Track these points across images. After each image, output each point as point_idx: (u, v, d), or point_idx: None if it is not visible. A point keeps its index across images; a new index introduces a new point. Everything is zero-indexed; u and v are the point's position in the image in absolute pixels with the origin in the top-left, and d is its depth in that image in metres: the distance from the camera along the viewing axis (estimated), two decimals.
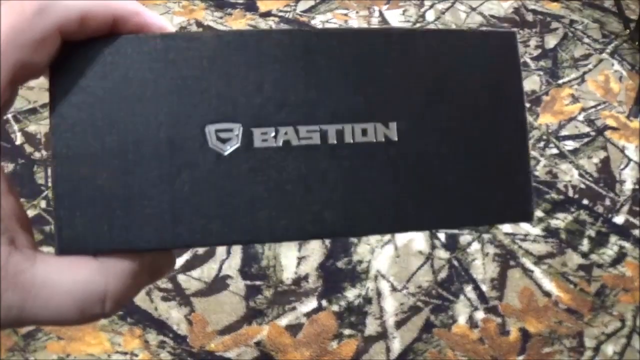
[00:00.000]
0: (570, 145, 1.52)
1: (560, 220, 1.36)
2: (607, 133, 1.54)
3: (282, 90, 0.31)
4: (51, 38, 0.27)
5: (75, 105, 0.29)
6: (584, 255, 1.30)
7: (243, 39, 0.31)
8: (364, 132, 0.32)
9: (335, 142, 0.32)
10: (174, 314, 1.21)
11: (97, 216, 0.29)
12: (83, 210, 0.29)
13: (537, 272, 1.27)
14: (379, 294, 1.24)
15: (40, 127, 1.55)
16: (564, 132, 1.55)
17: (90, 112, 0.29)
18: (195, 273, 1.27)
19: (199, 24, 1.84)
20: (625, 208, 1.39)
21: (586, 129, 1.55)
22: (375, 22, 1.85)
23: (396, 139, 0.33)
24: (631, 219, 1.37)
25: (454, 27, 1.83)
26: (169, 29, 0.31)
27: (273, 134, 0.31)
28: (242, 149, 0.31)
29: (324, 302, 1.23)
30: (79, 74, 0.29)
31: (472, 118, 0.34)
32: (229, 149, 0.31)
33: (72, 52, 0.29)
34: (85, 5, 0.27)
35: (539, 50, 1.76)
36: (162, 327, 1.19)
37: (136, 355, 1.15)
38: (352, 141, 0.32)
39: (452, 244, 1.32)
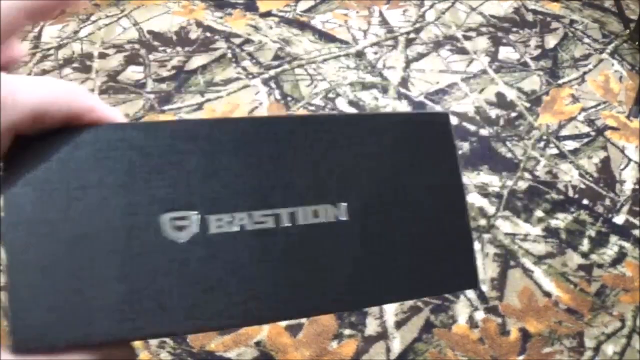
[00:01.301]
0: (570, 145, 1.52)
1: (560, 220, 1.36)
2: (607, 133, 1.54)
3: (237, 177, 0.32)
4: (3, 138, 0.27)
5: (28, 199, 0.29)
6: (584, 255, 1.30)
7: (196, 128, 0.32)
8: (315, 214, 0.33)
9: (289, 224, 0.32)
10: None
11: (52, 310, 0.28)
12: (38, 305, 0.28)
13: (537, 272, 1.27)
14: None
15: None
16: (564, 132, 1.55)
17: (42, 206, 0.29)
18: None
19: (199, 24, 1.84)
20: (625, 208, 1.39)
21: (586, 129, 1.55)
22: (375, 22, 1.85)
23: (346, 218, 0.34)
24: (631, 219, 1.37)
25: (454, 28, 1.83)
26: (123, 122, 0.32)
27: (229, 219, 0.31)
28: (198, 236, 0.31)
29: None
30: (32, 168, 0.29)
31: (414, 199, 0.36)
32: (184, 237, 0.31)
33: (24, 145, 0.29)
34: (38, 105, 0.27)
35: (539, 50, 1.76)
36: None
37: (136, 355, 1.15)
38: (304, 223, 0.33)
39: None
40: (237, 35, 1.80)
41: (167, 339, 1.17)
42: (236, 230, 0.32)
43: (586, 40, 1.80)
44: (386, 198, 0.35)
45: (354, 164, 0.35)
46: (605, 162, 1.48)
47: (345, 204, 0.34)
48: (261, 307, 0.32)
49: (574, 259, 1.29)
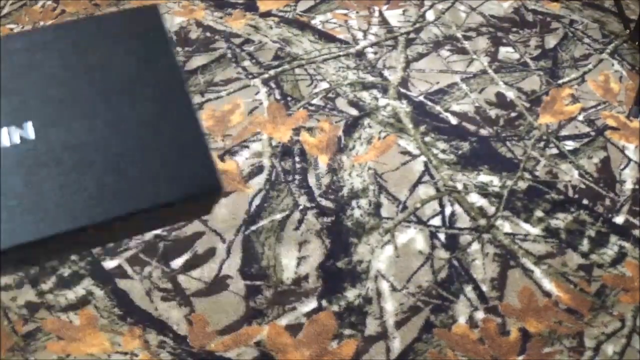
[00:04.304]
0: (570, 145, 1.52)
1: (560, 220, 1.36)
2: (607, 133, 1.54)
3: None
4: None
5: None
6: (584, 255, 1.30)
7: None
8: None
9: None
10: (174, 314, 1.21)
11: None
12: None
13: (537, 272, 1.27)
14: (379, 294, 1.24)
15: None
16: (564, 132, 1.55)
17: None
18: (195, 273, 1.27)
19: (199, 24, 1.84)
20: (625, 208, 1.39)
21: (586, 129, 1.55)
22: (375, 22, 1.85)
23: (33, 137, 0.33)
24: (631, 219, 1.37)
25: (454, 28, 1.83)
26: None
27: None
28: None
29: (324, 302, 1.23)
30: None
31: (130, 102, 0.34)
32: None
33: None
34: None
35: (539, 50, 1.76)
36: (162, 327, 1.19)
37: (136, 355, 1.15)
38: None
39: (452, 244, 1.32)
40: (237, 35, 1.80)
41: (166, 339, 1.17)
42: None
43: (586, 40, 1.80)
44: (89, 107, 0.34)
45: (45, 78, 0.33)
46: (605, 162, 1.48)
47: (31, 123, 0.33)
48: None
49: (574, 259, 1.29)
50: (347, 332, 1.19)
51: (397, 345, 1.17)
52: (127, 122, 0.35)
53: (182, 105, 0.36)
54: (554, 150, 1.50)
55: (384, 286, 1.25)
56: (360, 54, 1.74)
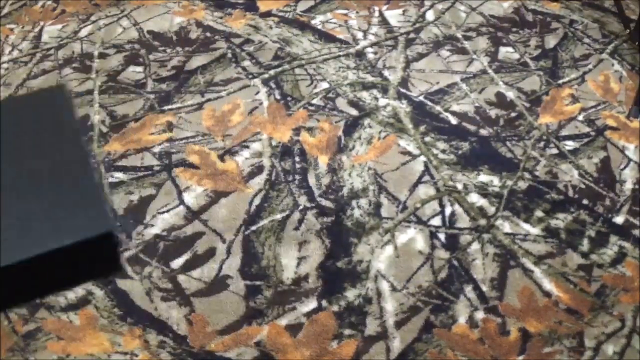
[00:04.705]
0: (570, 145, 1.52)
1: (560, 220, 1.36)
2: (607, 133, 1.54)
3: None
4: None
5: None
6: (584, 255, 1.30)
7: None
8: None
9: None
10: (174, 314, 1.21)
11: None
12: None
13: (537, 272, 1.27)
14: (379, 294, 1.24)
15: None
16: (564, 132, 1.55)
17: None
18: (195, 273, 1.27)
19: (198, 24, 1.84)
20: (625, 208, 1.39)
21: (586, 129, 1.55)
22: (375, 22, 1.85)
23: None
24: (631, 219, 1.37)
25: (454, 28, 1.83)
26: None
27: None
28: None
29: (324, 302, 1.23)
30: None
31: (32, 164, 0.39)
32: None
33: None
34: None
35: (539, 50, 1.76)
36: (162, 327, 1.19)
37: (136, 355, 1.15)
38: None
39: (452, 244, 1.32)
40: (237, 35, 1.80)
41: (166, 339, 1.17)
42: None
43: (586, 40, 1.80)
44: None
45: None
46: (605, 162, 1.48)
47: None
48: None
49: (574, 259, 1.29)
50: (347, 332, 1.19)
51: (397, 345, 1.17)
52: (23, 178, 0.40)
53: (81, 162, 0.41)
54: (554, 150, 1.50)
55: (384, 286, 1.25)
56: (360, 54, 1.74)
